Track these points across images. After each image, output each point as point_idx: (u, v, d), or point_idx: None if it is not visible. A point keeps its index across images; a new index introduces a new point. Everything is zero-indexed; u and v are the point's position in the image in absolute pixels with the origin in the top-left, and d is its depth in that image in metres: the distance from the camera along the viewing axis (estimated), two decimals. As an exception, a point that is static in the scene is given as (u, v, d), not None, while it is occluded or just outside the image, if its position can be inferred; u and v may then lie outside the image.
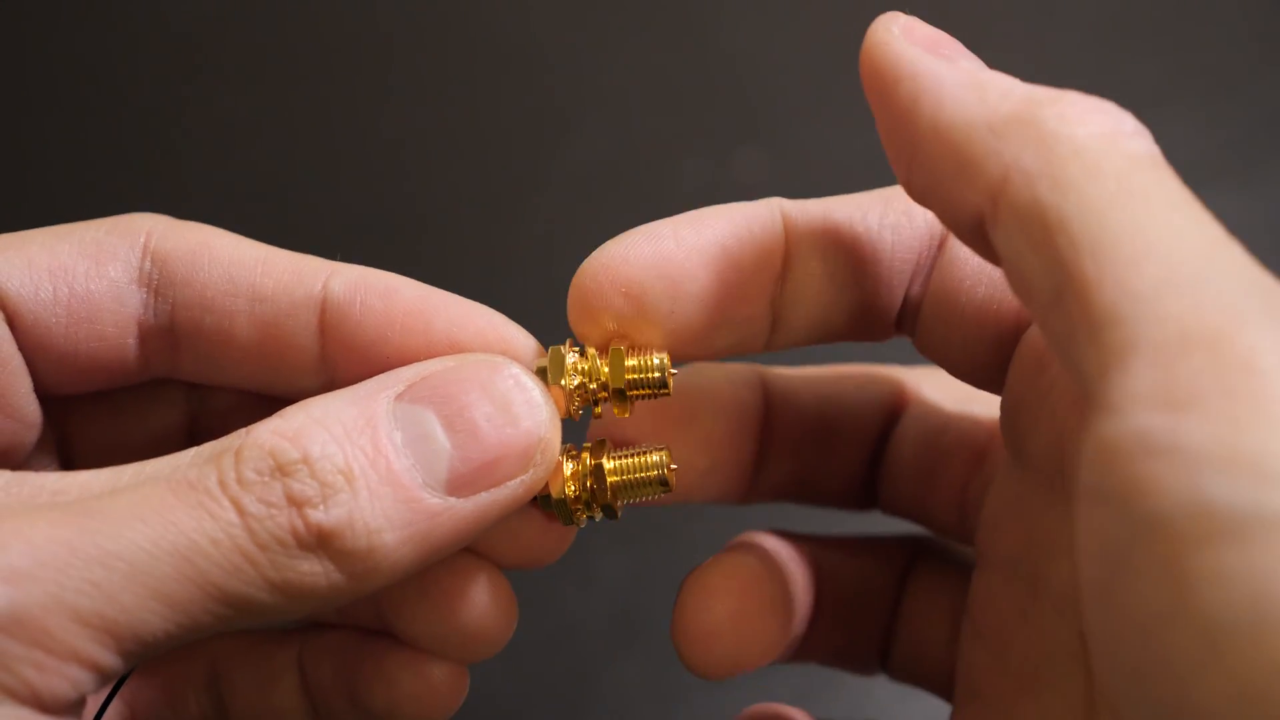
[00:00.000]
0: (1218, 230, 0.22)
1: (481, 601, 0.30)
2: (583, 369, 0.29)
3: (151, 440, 0.32)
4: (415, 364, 0.28)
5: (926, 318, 0.30)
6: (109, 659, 0.23)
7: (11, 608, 0.22)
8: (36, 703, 0.22)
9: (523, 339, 0.29)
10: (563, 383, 0.29)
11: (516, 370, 0.28)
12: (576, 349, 0.29)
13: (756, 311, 0.29)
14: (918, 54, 0.26)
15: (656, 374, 0.29)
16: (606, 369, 0.29)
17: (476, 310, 0.29)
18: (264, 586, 0.24)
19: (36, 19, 0.71)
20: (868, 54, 0.27)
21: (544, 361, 0.29)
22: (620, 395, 0.29)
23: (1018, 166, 0.23)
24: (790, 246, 0.29)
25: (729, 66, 0.69)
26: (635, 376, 0.29)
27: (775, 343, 0.30)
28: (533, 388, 0.28)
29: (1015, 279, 0.24)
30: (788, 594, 0.33)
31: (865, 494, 0.36)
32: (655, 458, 0.30)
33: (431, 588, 0.30)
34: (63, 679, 0.23)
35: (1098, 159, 0.23)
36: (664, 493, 0.30)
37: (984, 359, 0.30)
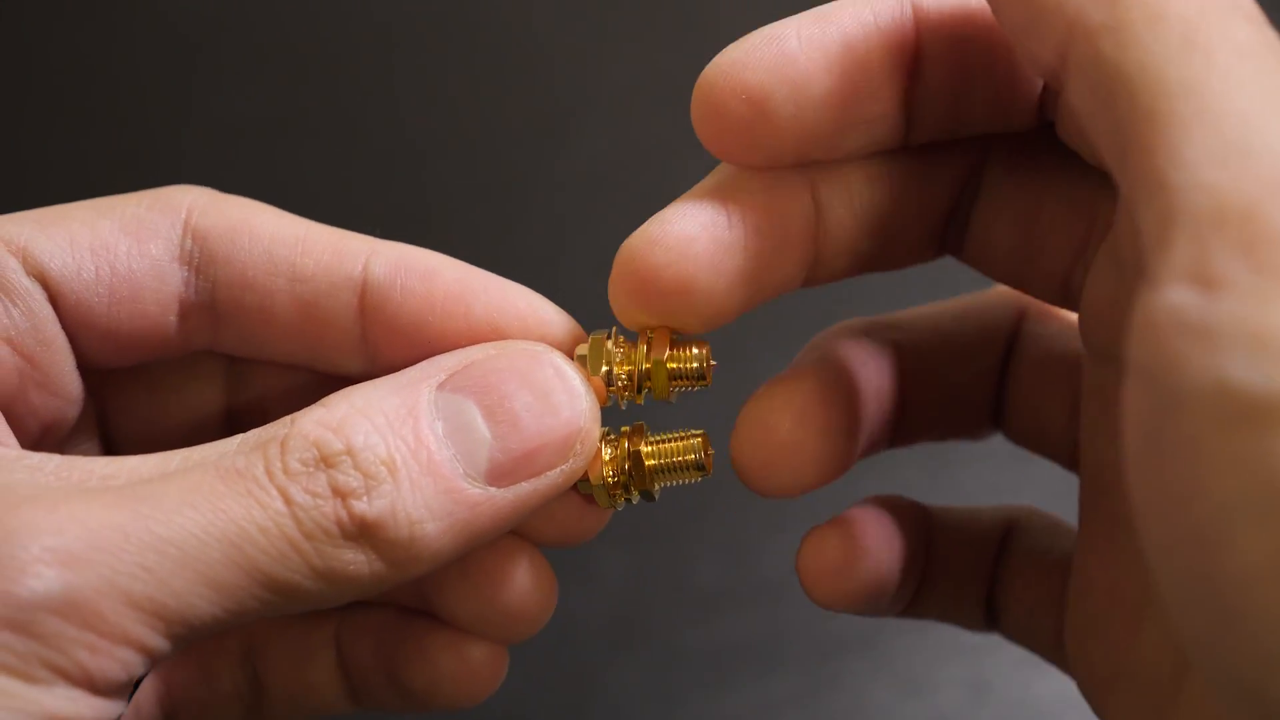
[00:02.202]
0: None
1: (522, 582, 0.30)
2: (621, 357, 0.29)
3: (190, 414, 0.32)
4: (456, 351, 0.28)
5: (1069, 100, 0.28)
6: (158, 642, 0.24)
7: (67, 591, 0.22)
8: (89, 684, 0.23)
9: (563, 322, 0.30)
10: (603, 371, 0.29)
11: (557, 359, 0.28)
12: (618, 337, 0.29)
13: (887, 109, 0.28)
14: None
15: (694, 364, 0.29)
16: (647, 362, 0.29)
17: (516, 292, 0.29)
18: (309, 574, 0.25)
19: (36, 19, 0.71)
20: None
21: (584, 349, 0.29)
22: (662, 386, 0.29)
23: (1081, 19, 0.22)
24: (921, 39, 0.28)
25: (729, 66, 0.69)
26: (676, 366, 0.29)
27: (912, 139, 0.29)
28: (573, 377, 0.28)
29: (1091, 139, 0.24)
30: (851, 411, 0.31)
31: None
32: (693, 443, 0.30)
33: (473, 568, 0.30)
34: (114, 661, 0.23)
35: (1164, 6, 0.22)
36: (702, 477, 0.30)
37: (1050, 271, 0.28)
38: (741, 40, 0.28)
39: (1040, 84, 0.28)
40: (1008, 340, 0.34)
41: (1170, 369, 0.20)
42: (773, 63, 0.27)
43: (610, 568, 0.54)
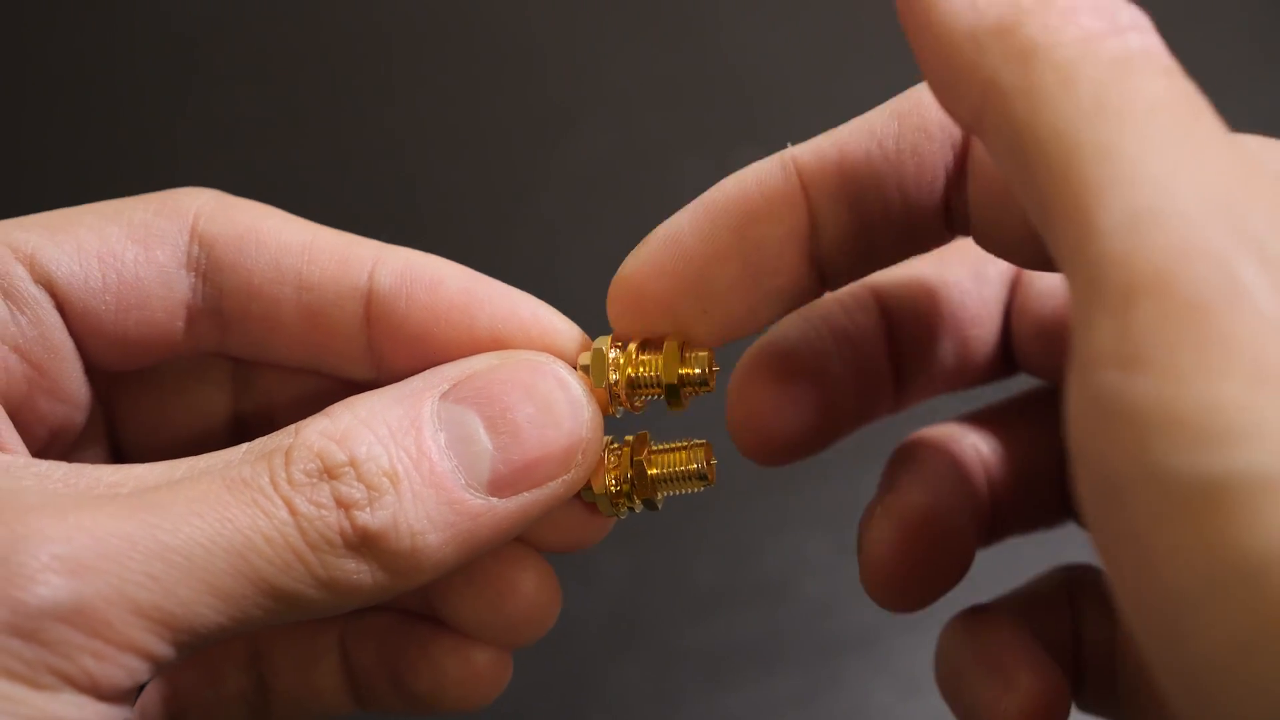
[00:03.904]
0: (1204, 135, 0.20)
1: (527, 588, 0.31)
2: (622, 364, 0.29)
3: (197, 416, 0.32)
4: (460, 361, 0.28)
5: (977, 214, 0.28)
6: (164, 650, 0.24)
7: (75, 599, 0.23)
8: (94, 690, 0.23)
9: (566, 329, 0.30)
10: (608, 381, 0.29)
11: (560, 370, 0.28)
12: (618, 345, 0.29)
13: (797, 274, 0.29)
14: None
15: (697, 370, 0.29)
16: (657, 368, 0.29)
17: (522, 301, 0.29)
18: (313, 583, 0.25)
19: (36, 19, 0.71)
20: None
21: (587, 359, 0.29)
22: (673, 393, 0.29)
23: (995, 82, 0.22)
24: (811, 200, 0.28)
25: (729, 66, 0.69)
26: (686, 371, 0.29)
27: (833, 288, 0.30)
28: (575, 388, 0.28)
29: (1015, 196, 0.23)
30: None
31: (1007, 361, 0.35)
32: (696, 453, 0.30)
33: (477, 575, 0.30)
34: (120, 668, 0.23)
35: (1075, 67, 0.21)
36: (705, 486, 0.30)
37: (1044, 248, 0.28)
38: (639, 247, 0.29)
39: (941, 209, 0.29)
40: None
41: (1102, 458, 0.19)
42: (670, 269, 0.28)
43: (610, 568, 0.54)
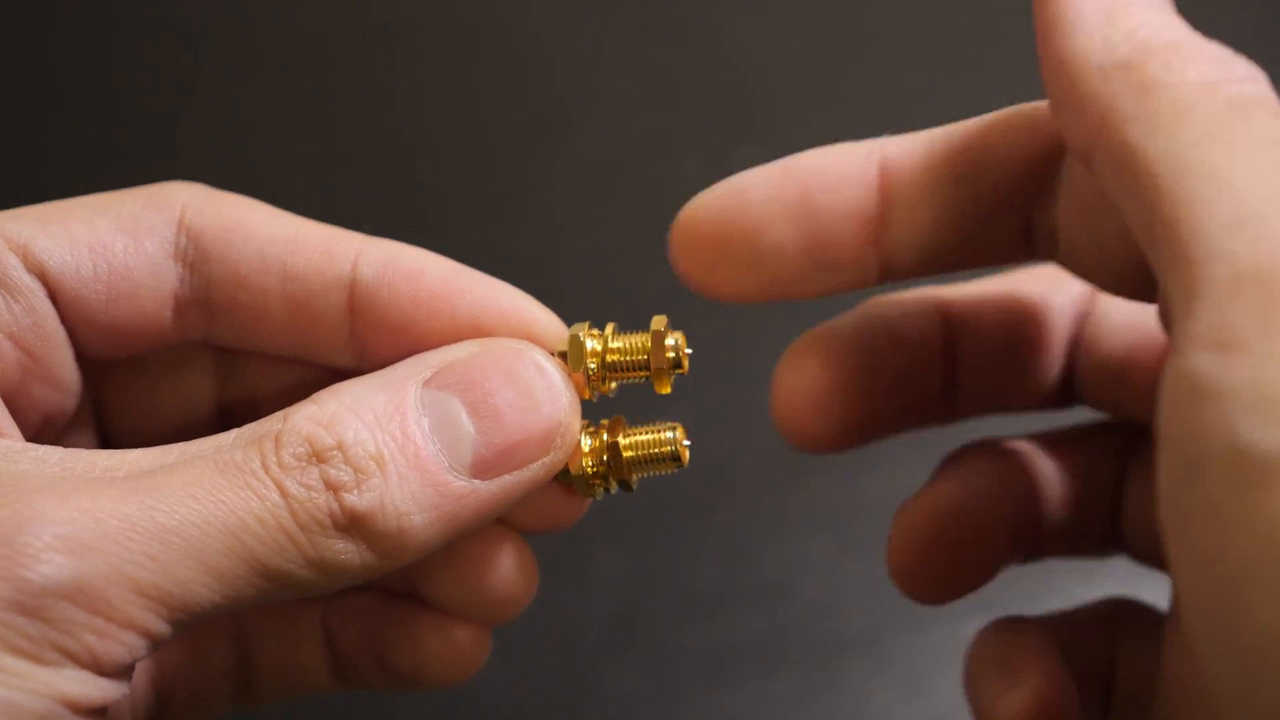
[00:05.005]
0: None
1: (506, 567, 0.32)
2: (599, 350, 0.30)
3: (182, 403, 0.33)
4: (441, 349, 0.29)
5: (1067, 234, 0.30)
6: (161, 627, 0.25)
7: (76, 578, 0.23)
8: (95, 666, 0.24)
9: (546, 319, 0.31)
10: (584, 366, 0.30)
11: (538, 356, 0.29)
12: (594, 332, 0.30)
13: (856, 254, 0.30)
14: None
15: (672, 355, 0.30)
16: (634, 353, 0.30)
17: (501, 290, 0.30)
18: (303, 564, 0.26)
19: (37, 18, 0.71)
20: None
21: (564, 345, 0.30)
22: (661, 374, 0.30)
23: (1114, 109, 0.24)
24: (888, 188, 0.29)
25: (729, 66, 0.69)
26: (662, 354, 0.30)
27: (892, 277, 0.31)
28: (554, 373, 0.29)
29: (1121, 219, 0.25)
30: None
31: (1066, 391, 0.35)
32: (669, 435, 0.31)
33: (457, 555, 0.31)
34: (120, 645, 0.24)
35: (1192, 103, 0.23)
36: (678, 468, 0.31)
37: (1135, 269, 0.28)
38: (713, 187, 0.30)
39: (1022, 224, 0.29)
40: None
41: (1189, 434, 0.20)
42: (732, 215, 0.30)
43: (610, 568, 0.54)
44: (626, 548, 0.54)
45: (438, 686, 0.33)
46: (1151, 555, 0.34)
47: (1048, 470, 0.35)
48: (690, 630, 0.52)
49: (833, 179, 0.29)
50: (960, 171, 0.29)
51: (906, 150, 0.30)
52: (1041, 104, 0.29)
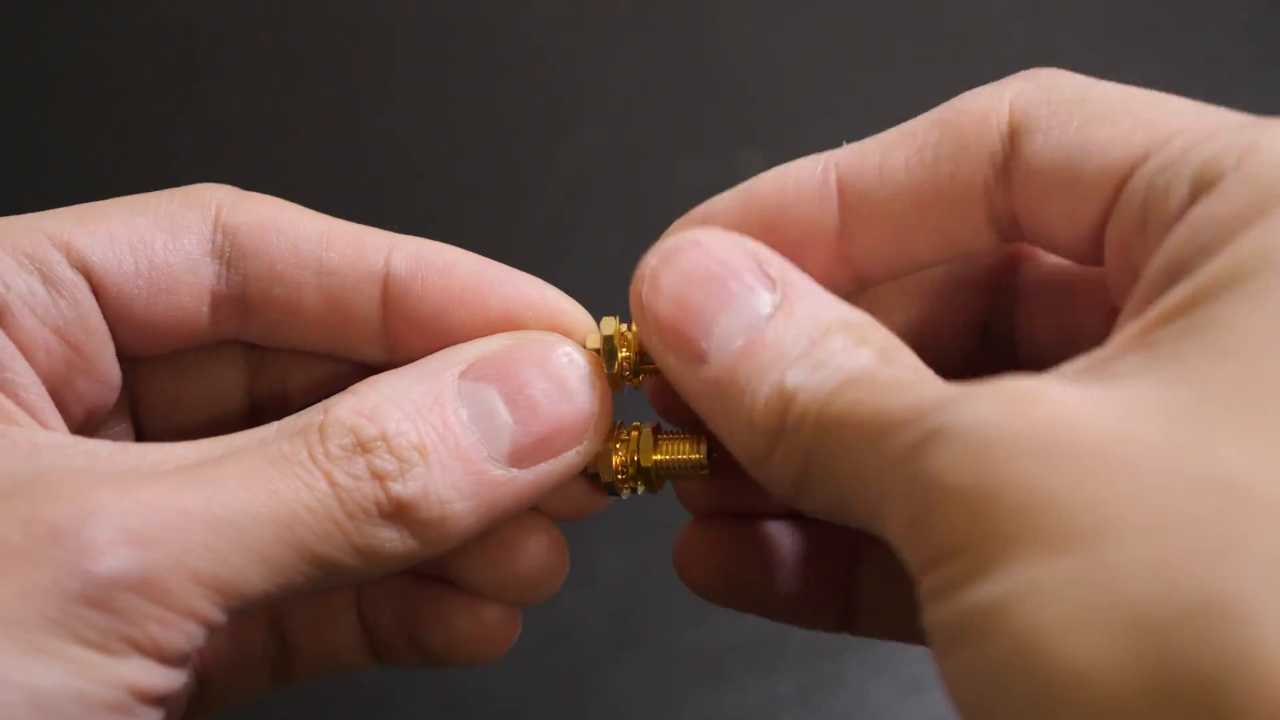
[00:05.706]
0: None
1: (537, 551, 0.32)
2: (631, 341, 0.30)
3: (214, 398, 0.34)
4: (475, 341, 0.30)
5: (1025, 218, 0.29)
6: (218, 615, 0.25)
7: (141, 570, 0.24)
8: (159, 655, 0.25)
9: (574, 311, 0.31)
10: (617, 358, 0.30)
11: (570, 348, 0.30)
12: (624, 325, 0.31)
13: (826, 269, 0.30)
14: None
15: None
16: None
17: (530, 284, 0.31)
18: (350, 551, 0.27)
19: (37, 18, 0.71)
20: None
21: (595, 338, 0.31)
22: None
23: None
24: (846, 200, 0.29)
25: (729, 66, 0.69)
26: None
27: (868, 284, 0.31)
28: (585, 364, 0.30)
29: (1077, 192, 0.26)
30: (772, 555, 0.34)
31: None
32: (697, 444, 0.31)
33: (490, 539, 0.32)
34: (181, 634, 0.25)
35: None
36: (705, 474, 0.32)
37: (1093, 241, 0.28)
38: (678, 222, 0.30)
39: (980, 203, 0.29)
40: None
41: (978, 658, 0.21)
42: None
43: (610, 568, 0.54)
44: (626, 548, 0.54)
45: (469, 664, 0.34)
46: (883, 632, 0.35)
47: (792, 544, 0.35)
48: (690, 630, 0.52)
49: (791, 201, 0.29)
50: (914, 173, 0.29)
51: (861, 157, 0.29)
52: (988, 91, 0.29)
